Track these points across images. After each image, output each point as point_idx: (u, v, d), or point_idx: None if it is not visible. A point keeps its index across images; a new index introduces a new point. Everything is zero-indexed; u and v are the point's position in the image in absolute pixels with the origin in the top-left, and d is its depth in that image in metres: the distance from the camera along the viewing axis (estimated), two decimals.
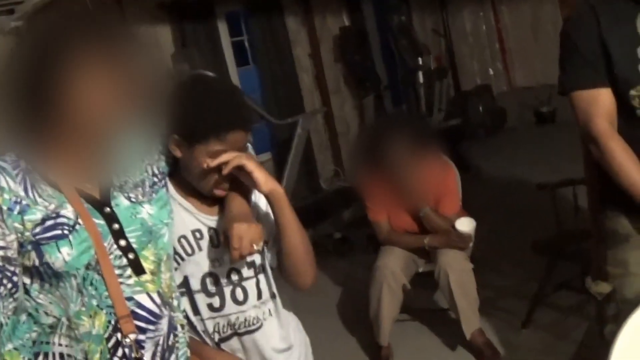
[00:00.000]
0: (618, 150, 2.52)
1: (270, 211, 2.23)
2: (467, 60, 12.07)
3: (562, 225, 4.71)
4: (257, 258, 2.27)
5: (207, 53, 7.64)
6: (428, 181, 4.40)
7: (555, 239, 4.75)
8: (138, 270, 1.85)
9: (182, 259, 2.20)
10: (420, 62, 9.54)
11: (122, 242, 1.84)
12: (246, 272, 2.26)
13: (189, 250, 2.20)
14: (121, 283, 1.81)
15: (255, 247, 2.06)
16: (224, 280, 2.23)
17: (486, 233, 4.51)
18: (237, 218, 2.09)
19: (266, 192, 2.14)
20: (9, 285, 1.73)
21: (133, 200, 1.91)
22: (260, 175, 2.11)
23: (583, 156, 3.24)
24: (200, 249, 2.21)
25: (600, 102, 2.55)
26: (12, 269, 1.73)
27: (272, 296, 2.33)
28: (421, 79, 9.52)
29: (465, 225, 4.24)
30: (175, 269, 2.14)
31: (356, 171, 5.54)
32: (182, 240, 2.19)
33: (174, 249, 2.15)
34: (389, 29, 9.66)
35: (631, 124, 2.56)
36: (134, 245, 1.86)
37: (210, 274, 2.22)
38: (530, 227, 5.73)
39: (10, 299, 1.74)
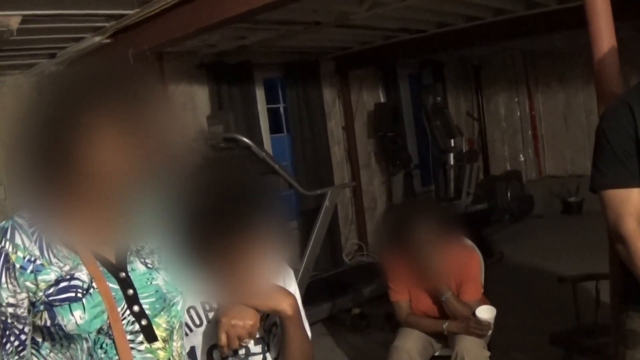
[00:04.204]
0: None
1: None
2: (499, 144, 12.11)
3: (581, 318, 4.66)
4: (266, 336, 2.24)
5: (242, 117, 7.71)
6: (451, 266, 4.38)
7: (574, 332, 4.69)
8: (150, 337, 1.83)
9: (190, 330, 2.17)
10: (452, 144, 9.60)
11: (136, 308, 1.81)
12: (253, 348, 2.22)
13: (197, 322, 2.18)
14: (132, 349, 1.79)
15: (243, 344, 2.06)
16: (230, 354, 2.19)
17: (504, 320, 4.46)
18: (229, 310, 2.07)
19: (269, 312, 2.15)
20: (16, 343, 1.72)
21: (149, 266, 1.88)
22: (262, 304, 2.10)
23: (609, 254, 3.20)
24: (208, 321, 2.18)
25: (631, 202, 2.52)
26: (20, 327, 1.72)
27: None
28: (452, 161, 9.56)
29: (485, 313, 4.20)
30: None
31: (380, 250, 5.50)
32: (191, 310, 2.17)
33: None
34: (424, 109, 9.73)
35: None
36: (148, 312, 1.83)
37: (217, 347, 2.16)
38: (550, 318, 5.69)
39: (16, 357, 1.73)
